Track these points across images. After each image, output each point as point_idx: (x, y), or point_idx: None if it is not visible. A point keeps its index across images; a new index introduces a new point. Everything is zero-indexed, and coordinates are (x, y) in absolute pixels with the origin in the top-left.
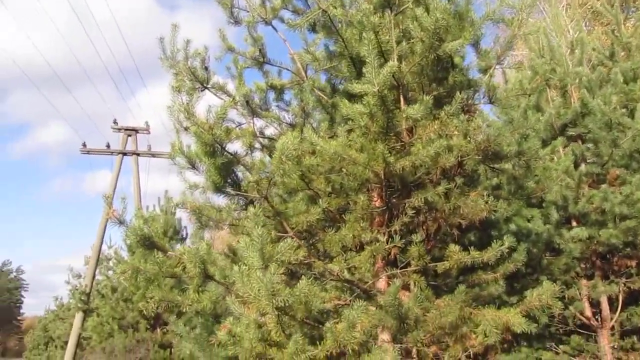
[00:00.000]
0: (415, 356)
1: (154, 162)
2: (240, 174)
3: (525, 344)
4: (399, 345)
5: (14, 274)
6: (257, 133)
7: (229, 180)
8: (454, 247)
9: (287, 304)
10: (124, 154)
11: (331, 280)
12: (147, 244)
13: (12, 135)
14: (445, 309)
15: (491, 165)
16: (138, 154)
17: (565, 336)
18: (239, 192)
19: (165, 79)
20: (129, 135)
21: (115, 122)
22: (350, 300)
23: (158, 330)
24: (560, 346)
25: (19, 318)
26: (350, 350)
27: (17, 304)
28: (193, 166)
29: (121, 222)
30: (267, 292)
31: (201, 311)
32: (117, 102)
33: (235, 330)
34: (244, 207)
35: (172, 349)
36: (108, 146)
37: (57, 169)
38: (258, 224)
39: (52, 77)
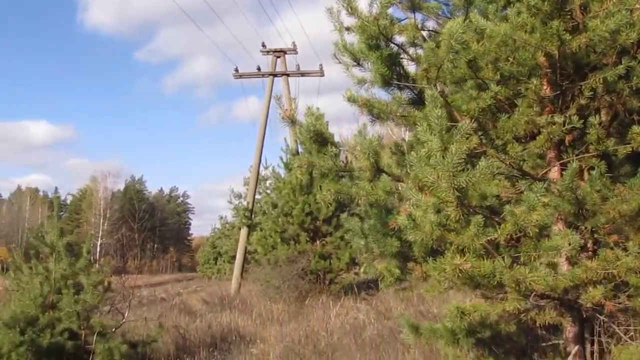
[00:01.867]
0: (590, 249)
1: (303, 82)
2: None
3: None
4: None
5: (181, 199)
6: (419, 26)
7: (396, 73)
8: (637, 129)
9: (467, 185)
10: (274, 75)
11: (504, 169)
12: (320, 139)
13: (165, 69)
14: (626, 195)
15: None
16: (288, 75)
17: None
18: (407, 84)
19: None
20: (278, 57)
21: (263, 45)
22: (523, 190)
23: (317, 242)
24: None
25: (188, 238)
26: (530, 233)
27: (186, 226)
28: (358, 63)
29: (293, 122)
30: (447, 174)
31: (374, 203)
32: (264, 25)
33: (414, 214)
34: (412, 100)
35: (331, 260)
36: (259, 69)
37: (209, 99)
38: (437, 105)
39: (199, 9)
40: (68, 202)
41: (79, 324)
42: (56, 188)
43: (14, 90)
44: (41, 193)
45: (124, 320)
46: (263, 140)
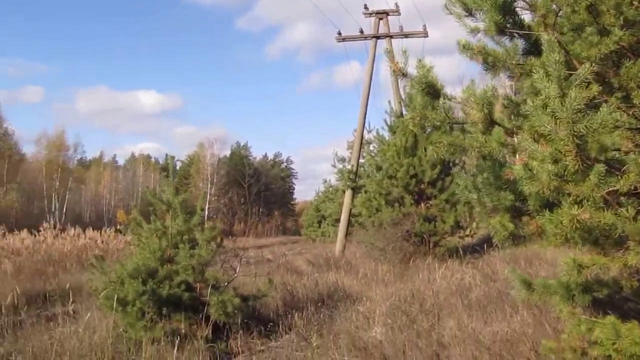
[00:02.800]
0: None
1: (406, 44)
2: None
3: None
4: None
5: (285, 164)
6: None
7: (510, 21)
8: None
9: (586, 133)
10: (377, 37)
11: (626, 120)
12: (432, 91)
13: (266, 36)
14: None
15: None
16: (391, 36)
17: None
18: (522, 31)
19: None
20: (380, 19)
21: (365, 7)
22: None
23: (422, 205)
24: None
25: (292, 202)
26: None
27: (290, 190)
28: (470, 13)
29: (404, 74)
30: (566, 121)
31: (488, 155)
32: None
33: (531, 164)
34: (526, 49)
35: (436, 222)
36: (361, 32)
37: (311, 65)
38: (554, 50)
39: None
40: (177, 168)
41: (194, 277)
42: (167, 155)
43: (126, 63)
44: (153, 159)
45: (235, 275)
46: (367, 104)
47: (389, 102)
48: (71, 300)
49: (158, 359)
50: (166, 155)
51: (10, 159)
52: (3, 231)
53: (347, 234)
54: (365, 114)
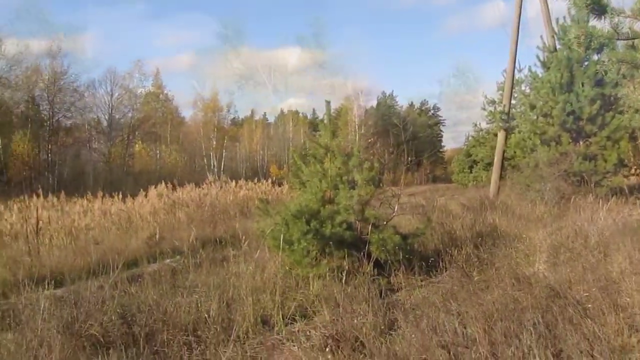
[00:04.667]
0: None
1: None
2: None
3: None
4: None
5: (432, 112)
6: None
7: None
8: None
9: None
10: None
11: None
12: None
13: None
14: None
15: None
16: None
17: None
18: None
19: None
20: None
21: None
22: None
23: (581, 143)
24: None
25: (441, 150)
26: None
27: (438, 138)
28: None
29: None
30: None
31: None
32: None
33: None
34: None
35: (597, 161)
36: None
37: (450, 6)
38: None
39: None
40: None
41: (355, 216)
42: (314, 110)
43: (269, 21)
44: (301, 115)
45: (394, 214)
46: (517, 40)
47: (541, 37)
48: (243, 241)
49: (325, 292)
50: (313, 110)
51: (172, 123)
52: (172, 186)
53: (501, 176)
54: (516, 51)
